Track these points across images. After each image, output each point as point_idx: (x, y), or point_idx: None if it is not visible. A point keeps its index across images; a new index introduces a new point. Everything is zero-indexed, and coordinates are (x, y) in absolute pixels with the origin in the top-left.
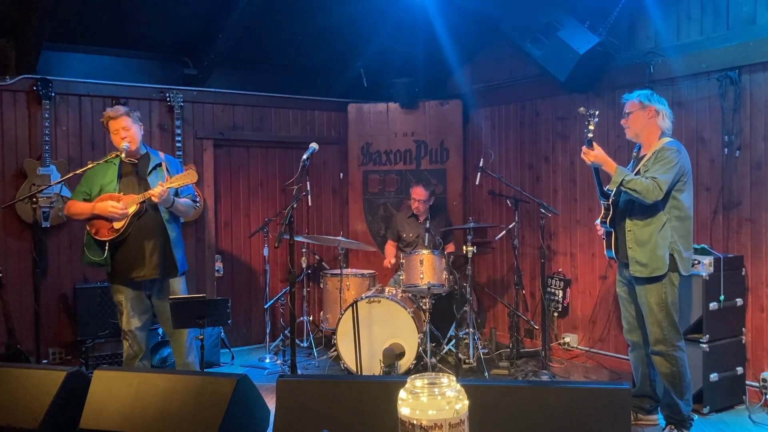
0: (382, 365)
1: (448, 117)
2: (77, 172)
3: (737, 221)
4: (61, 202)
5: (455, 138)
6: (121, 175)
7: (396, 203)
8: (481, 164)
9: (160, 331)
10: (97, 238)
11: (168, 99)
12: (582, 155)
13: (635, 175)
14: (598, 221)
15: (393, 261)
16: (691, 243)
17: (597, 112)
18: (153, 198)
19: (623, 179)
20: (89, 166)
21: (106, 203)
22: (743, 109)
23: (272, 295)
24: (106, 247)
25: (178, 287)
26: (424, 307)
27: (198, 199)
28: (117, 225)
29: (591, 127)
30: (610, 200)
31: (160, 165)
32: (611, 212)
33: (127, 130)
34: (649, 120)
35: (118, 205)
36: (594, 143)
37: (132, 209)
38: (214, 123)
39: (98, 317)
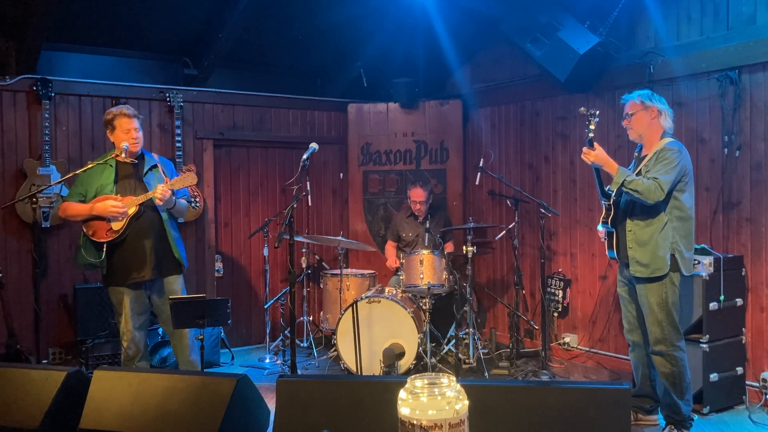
0: (382, 365)
1: (448, 117)
2: (77, 172)
3: (737, 221)
4: (61, 202)
5: (455, 138)
6: (117, 177)
7: (396, 203)
8: (481, 164)
9: (160, 331)
10: (94, 239)
11: (168, 99)
12: (582, 155)
13: (636, 175)
14: (600, 226)
15: (396, 264)
16: (692, 243)
17: (597, 112)
18: (156, 199)
19: (624, 180)
20: (89, 165)
21: (105, 203)
22: (743, 109)
23: (272, 295)
24: (104, 249)
25: (178, 286)
26: (424, 307)
27: (196, 200)
28: (116, 226)
29: (592, 127)
30: (611, 200)
31: (155, 167)
32: (612, 212)
33: (137, 131)
34: (652, 120)
35: (119, 204)
36: (595, 143)
37: (131, 210)
38: (214, 123)
39: (98, 317)
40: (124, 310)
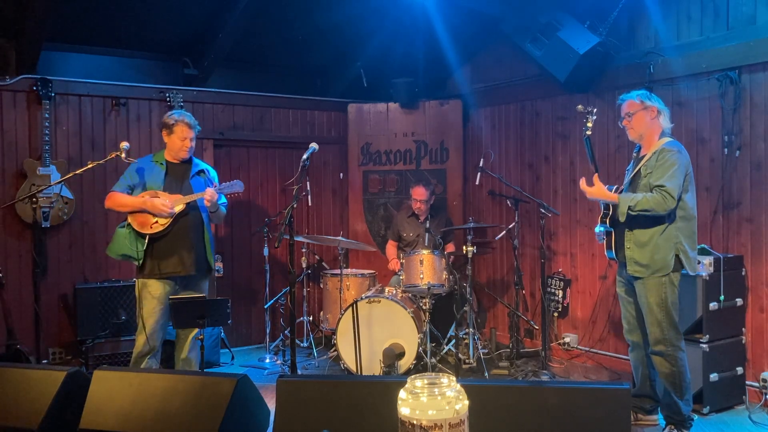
0: (382, 365)
1: (448, 117)
2: (77, 172)
3: (737, 221)
4: (61, 202)
5: (455, 138)
6: (166, 176)
7: (396, 203)
8: (481, 164)
9: None
10: (139, 230)
11: (168, 99)
12: (581, 186)
13: (635, 174)
14: (597, 227)
15: (397, 267)
16: (695, 242)
17: (595, 110)
18: (205, 200)
19: (629, 206)
20: (89, 165)
21: (156, 200)
22: (743, 109)
23: (272, 295)
24: (146, 239)
25: (205, 287)
26: (424, 307)
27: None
28: (162, 220)
29: (589, 125)
30: None
31: (202, 172)
32: (610, 212)
33: (192, 141)
34: (652, 120)
35: (167, 203)
36: (595, 179)
37: (179, 208)
38: (214, 123)
39: (98, 317)
40: (151, 304)
